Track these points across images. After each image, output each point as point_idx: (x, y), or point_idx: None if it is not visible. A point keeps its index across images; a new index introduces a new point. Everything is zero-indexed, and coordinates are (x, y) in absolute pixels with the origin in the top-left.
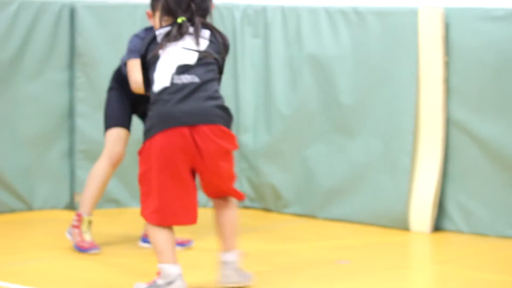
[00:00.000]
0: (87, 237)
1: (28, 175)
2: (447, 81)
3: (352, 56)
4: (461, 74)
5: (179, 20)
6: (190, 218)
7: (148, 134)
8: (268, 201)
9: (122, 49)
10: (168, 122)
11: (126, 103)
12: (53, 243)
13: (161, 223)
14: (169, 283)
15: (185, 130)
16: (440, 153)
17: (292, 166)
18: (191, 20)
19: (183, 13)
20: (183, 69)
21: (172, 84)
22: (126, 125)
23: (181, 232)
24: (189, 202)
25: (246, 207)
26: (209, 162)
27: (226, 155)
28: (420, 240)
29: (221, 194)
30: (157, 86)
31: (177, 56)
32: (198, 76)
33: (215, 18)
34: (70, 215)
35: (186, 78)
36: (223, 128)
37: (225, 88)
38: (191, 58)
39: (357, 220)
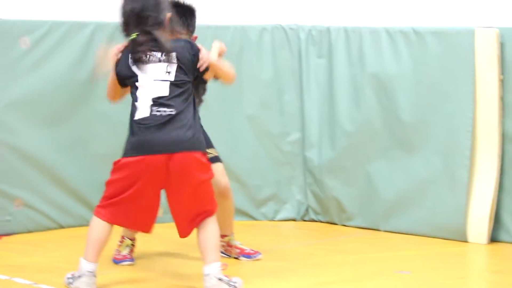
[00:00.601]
0: (124, 251)
1: (102, 189)
2: (502, 98)
3: (412, 75)
4: None
5: (133, 36)
6: (143, 226)
7: (126, 153)
8: (332, 215)
9: None
10: (145, 148)
11: None
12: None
13: (109, 220)
14: (79, 276)
15: (161, 158)
16: (496, 167)
17: (356, 180)
18: (149, 34)
19: (135, 28)
20: (159, 102)
21: (151, 115)
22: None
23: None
24: (148, 213)
25: (311, 220)
26: (180, 188)
27: (200, 184)
28: (477, 251)
29: (192, 218)
30: (138, 115)
31: (151, 88)
32: (175, 107)
33: (281, 39)
34: None
35: (164, 111)
36: (198, 157)
37: (291, 106)
38: (164, 90)
39: (418, 232)
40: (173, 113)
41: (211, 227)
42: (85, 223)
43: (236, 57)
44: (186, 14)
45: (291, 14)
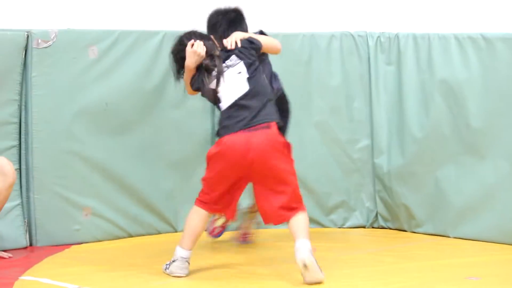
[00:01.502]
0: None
1: (173, 198)
2: None
3: (481, 80)
4: None
5: None
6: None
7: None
8: (401, 221)
9: None
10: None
11: None
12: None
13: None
14: (173, 261)
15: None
16: None
17: (425, 186)
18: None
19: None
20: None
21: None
22: None
23: None
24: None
25: (380, 227)
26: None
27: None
28: None
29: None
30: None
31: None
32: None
33: (350, 46)
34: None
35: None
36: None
37: (360, 113)
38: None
39: (488, 238)
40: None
41: (300, 216)
42: (154, 232)
43: (305, 64)
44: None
45: (360, 21)
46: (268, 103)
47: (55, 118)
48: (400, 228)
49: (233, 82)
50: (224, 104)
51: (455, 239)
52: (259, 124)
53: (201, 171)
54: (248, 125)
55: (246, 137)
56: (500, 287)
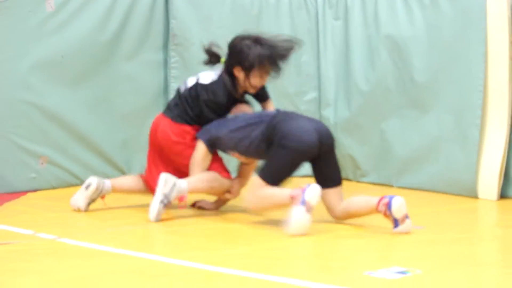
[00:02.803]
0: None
1: (125, 148)
2: None
3: (426, 36)
4: None
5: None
6: None
7: None
8: (347, 171)
9: (213, 30)
10: None
11: None
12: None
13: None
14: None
15: None
16: (506, 126)
17: (370, 138)
18: None
19: None
20: None
21: None
22: None
23: None
24: None
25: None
26: None
27: None
28: (487, 207)
29: None
30: None
31: None
32: None
33: (299, 1)
34: None
35: None
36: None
37: (309, 67)
38: None
39: (430, 189)
40: None
41: None
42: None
43: (254, 19)
44: None
45: None
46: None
47: (11, 69)
48: (345, 178)
49: None
50: None
51: (399, 188)
52: None
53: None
54: None
55: None
56: (443, 235)
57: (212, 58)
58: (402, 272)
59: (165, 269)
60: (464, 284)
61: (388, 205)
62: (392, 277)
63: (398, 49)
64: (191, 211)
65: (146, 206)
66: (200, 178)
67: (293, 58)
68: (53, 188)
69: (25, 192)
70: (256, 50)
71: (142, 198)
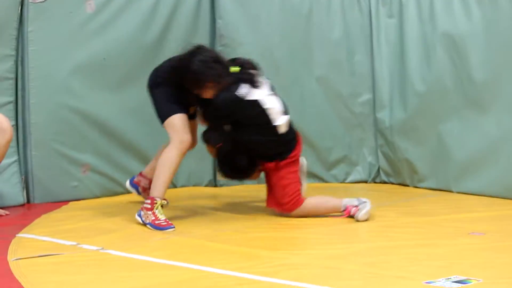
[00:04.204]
0: (161, 217)
1: None
2: None
3: (484, 33)
4: None
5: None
6: None
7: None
8: (404, 176)
9: (261, 30)
10: None
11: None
12: (195, 217)
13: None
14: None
15: None
16: None
17: (427, 141)
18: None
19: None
20: None
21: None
22: (187, 113)
23: None
24: None
25: (382, 182)
26: None
27: None
28: None
29: None
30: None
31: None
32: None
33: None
34: (213, 191)
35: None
36: None
37: (362, 66)
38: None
39: (491, 193)
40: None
41: None
42: None
43: (305, 18)
44: None
45: None
46: None
47: (52, 74)
48: (402, 183)
49: None
50: None
51: (458, 194)
52: None
53: (200, 125)
54: None
55: None
56: (504, 243)
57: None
58: (463, 282)
59: (216, 280)
60: None
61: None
62: (453, 287)
63: (455, 46)
64: (239, 221)
65: (194, 214)
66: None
67: (345, 57)
68: (96, 197)
69: (66, 201)
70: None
71: (190, 207)
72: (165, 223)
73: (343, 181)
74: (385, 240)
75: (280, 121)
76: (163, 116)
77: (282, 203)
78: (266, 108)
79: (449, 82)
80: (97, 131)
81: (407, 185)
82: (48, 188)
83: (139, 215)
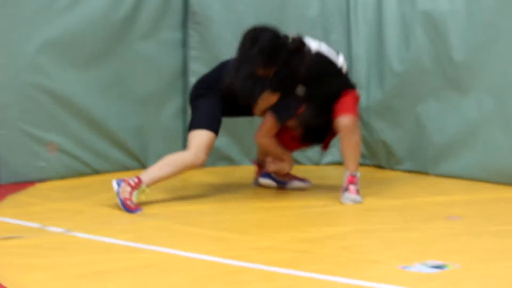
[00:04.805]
0: (134, 199)
1: (141, 134)
2: None
3: (465, 12)
4: None
5: None
6: None
7: None
8: (380, 158)
9: (235, 7)
10: None
11: (218, 107)
12: (164, 198)
13: None
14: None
15: None
16: None
17: (405, 122)
18: None
19: None
20: None
21: None
22: (217, 131)
23: None
24: None
25: (359, 164)
26: None
27: None
28: None
29: None
30: None
31: None
32: None
33: None
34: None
35: None
36: None
37: (338, 46)
38: None
39: (469, 176)
40: None
41: None
42: (121, 168)
43: None
44: None
45: None
46: None
47: (18, 51)
48: (378, 165)
49: None
50: None
51: (435, 176)
52: None
53: (171, 106)
54: None
55: None
56: (481, 228)
57: None
58: (440, 267)
59: (184, 264)
60: (507, 279)
61: None
62: (429, 272)
63: (435, 26)
64: (209, 203)
65: (162, 197)
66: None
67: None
68: (63, 177)
69: (33, 182)
70: None
71: (158, 189)
72: (134, 207)
73: (317, 163)
74: (359, 224)
75: (341, 61)
76: (194, 125)
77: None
78: (327, 56)
79: (428, 63)
80: (65, 110)
81: (384, 167)
82: (15, 169)
83: (118, 184)
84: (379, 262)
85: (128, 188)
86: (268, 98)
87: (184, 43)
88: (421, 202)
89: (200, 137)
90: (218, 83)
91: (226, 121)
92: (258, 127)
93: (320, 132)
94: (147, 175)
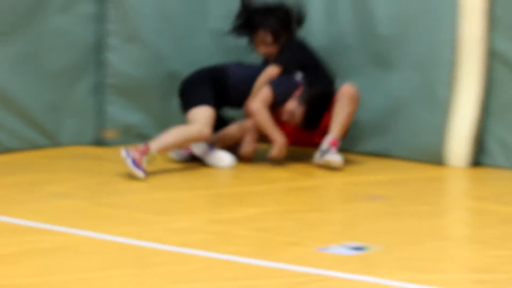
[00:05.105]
0: (144, 165)
1: (54, 111)
2: (490, 10)
3: None
4: (505, 3)
5: None
6: None
7: None
8: None
9: None
10: None
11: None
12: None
13: None
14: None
15: None
16: (479, 85)
17: None
18: None
19: None
20: None
21: None
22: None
23: None
24: None
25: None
26: None
27: None
28: (457, 175)
29: None
30: None
31: None
32: None
33: None
34: (97, 151)
35: None
36: None
37: None
38: None
39: (393, 155)
40: None
41: None
42: (33, 146)
43: None
44: None
45: None
46: None
47: None
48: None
49: None
50: None
51: (358, 155)
52: None
53: (86, 82)
54: None
55: None
56: (403, 208)
57: None
58: (360, 248)
59: (99, 245)
60: (430, 260)
61: None
62: (348, 254)
63: None
64: (124, 183)
65: (77, 176)
66: None
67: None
68: None
69: None
70: None
71: (73, 168)
72: (143, 168)
73: None
74: (279, 205)
75: None
76: (194, 103)
77: None
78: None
79: (351, 37)
80: None
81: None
82: None
83: (127, 152)
84: (297, 244)
85: (137, 154)
86: (270, 70)
87: (101, 17)
88: (343, 182)
89: (203, 113)
90: (211, 76)
91: (142, 98)
92: (252, 97)
93: (316, 115)
94: (155, 143)
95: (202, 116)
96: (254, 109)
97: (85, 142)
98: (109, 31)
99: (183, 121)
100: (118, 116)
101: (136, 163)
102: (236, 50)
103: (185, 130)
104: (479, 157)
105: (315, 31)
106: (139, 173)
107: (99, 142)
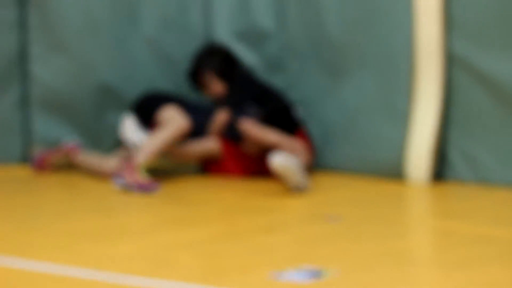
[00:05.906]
0: (143, 177)
1: None
2: (447, 11)
3: None
4: (463, 3)
5: None
6: None
7: None
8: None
9: None
10: None
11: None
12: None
13: None
14: None
15: None
16: (440, 93)
17: None
18: None
19: None
20: None
21: None
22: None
23: None
24: None
25: None
26: None
27: None
28: (418, 191)
29: None
30: None
31: None
32: None
33: None
34: (23, 171)
35: None
36: None
37: (197, 27)
38: None
39: (348, 169)
40: None
41: None
42: None
43: None
44: None
45: None
46: None
47: None
48: None
49: None
50: None
51: (311, 171)
52: None
53: (9, 95)
54: None
55: None
56: (365, 228)
57: None
58: (316, 273)
59: (30, 277)
60: (391, 285)
61: None
62: (303, 280)
63: (309, 4)
64: (58, 206)
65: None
66: None
67: (178, 17)
68: None
69: None
70: None
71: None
72: (149, 183)
73: None
74: (225, 225)
75: None
76: (162, 104)
77: None
78: None
79: (302, 44)
80: None
81: None
82: None
83: (117, 179)
84: (248, 269)
85: (128, 173)
86: (221, 117)
87: (22, 24)
88: (295, 201)
89: (172, 110)
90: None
91: (71, 112)
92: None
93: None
94: (140, 154)
95: (173, 112)
96: (248, 128)
97: (10, 160)
98: (32, 40)
99: (116, 136)
100: (45, 131)
101: (140, 187)
102: (171, 59)
103: (165, 129)
104: (441, 170)
105: (264, 37)
106: (151, 191)
107: (26, 160)
